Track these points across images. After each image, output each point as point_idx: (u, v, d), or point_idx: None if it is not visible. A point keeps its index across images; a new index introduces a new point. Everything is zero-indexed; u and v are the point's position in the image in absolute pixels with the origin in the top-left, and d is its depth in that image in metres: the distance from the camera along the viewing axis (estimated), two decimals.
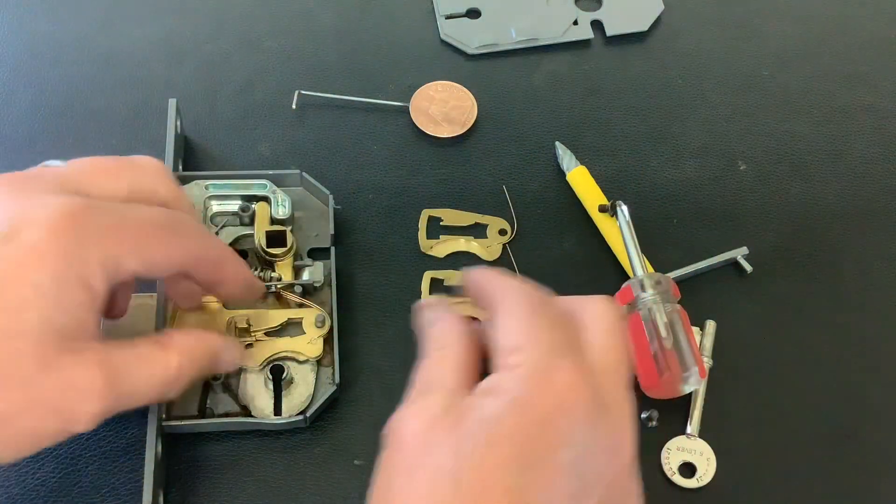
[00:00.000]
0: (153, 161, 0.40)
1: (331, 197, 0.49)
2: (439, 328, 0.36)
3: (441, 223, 0.52)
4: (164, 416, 0.43)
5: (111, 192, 0.37)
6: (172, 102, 0.51)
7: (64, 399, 0.33)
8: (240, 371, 0.45)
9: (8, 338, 0.31)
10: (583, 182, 0.53)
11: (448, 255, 0.51)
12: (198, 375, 0.39)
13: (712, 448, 0.45)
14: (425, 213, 0.52)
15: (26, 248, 0.32)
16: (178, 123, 0.52)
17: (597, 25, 0.61)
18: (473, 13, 0.61)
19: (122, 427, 0.44)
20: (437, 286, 0.50)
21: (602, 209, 0.51)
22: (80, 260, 0.33)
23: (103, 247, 0.34)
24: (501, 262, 0.51)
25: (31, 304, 0.32)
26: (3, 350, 0.31)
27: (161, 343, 0.37)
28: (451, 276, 0.50)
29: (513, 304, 0.34)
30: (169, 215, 0.37)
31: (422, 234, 0.51)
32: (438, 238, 0.51)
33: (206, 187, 0.49)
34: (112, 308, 0.41)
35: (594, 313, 0.35)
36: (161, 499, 0.42)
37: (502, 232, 0.51)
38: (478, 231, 0.52)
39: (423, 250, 0.51)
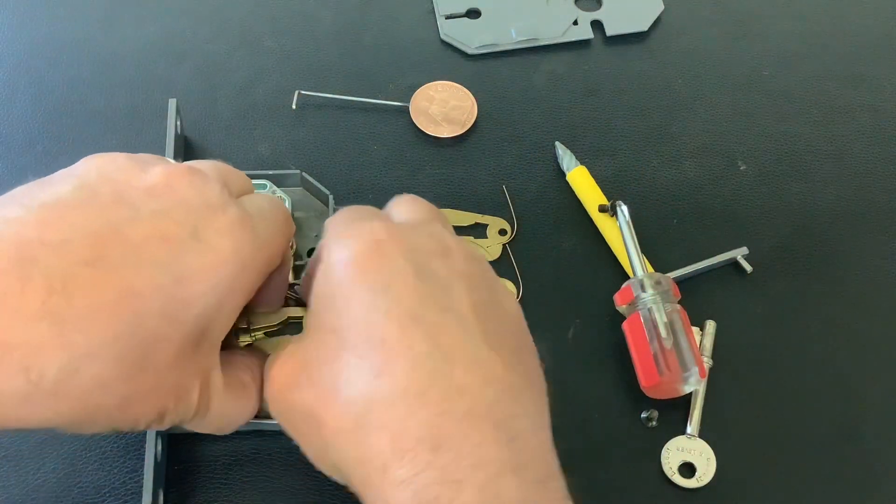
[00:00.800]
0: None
1: (331, 197, 0.49)
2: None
3: None
4: None
5: (237, 193, 0.38)
6: (172, 102, 0.51)
7: (170, 397, 0.34)
8: None
9: (168, 324, 0.32)
10: (583, 182, 0.53)
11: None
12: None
13: (712, 448, 0.45)
14: None
15: (212, 251, 0.33)
16: (178, 123, 0.52)
17: (597, 25, 0.61)
18: (473, 13, 0.61)
19: None
20: None
21: (602, 209, 0.51)
22: (250, 270, 0.35)
23: (263, 255, 0.36)
24: (501, 262, 0.51)
25: (198, 303, 0.33)
26: (161, 334, 0.32)
27: (247, 390, 0.38)
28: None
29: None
30: (277, 201, 0.40)
31: None
32: None
33: None
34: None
35: (395, 201, 0.40)
36: (161, 499, 0.42)
37: (502, 232, 0.51)
38: (478, 231, 0.52)
39: None
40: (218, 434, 0.39)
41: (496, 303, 0.36)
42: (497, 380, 0.32)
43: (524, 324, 0.38)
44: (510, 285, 0.50)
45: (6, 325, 0.29)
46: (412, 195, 0.40)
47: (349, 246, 0.34)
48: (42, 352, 0.29)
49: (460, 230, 0.52)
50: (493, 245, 0.51)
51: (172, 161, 0.38)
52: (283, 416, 0.36)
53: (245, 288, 0.35)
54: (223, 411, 0.37)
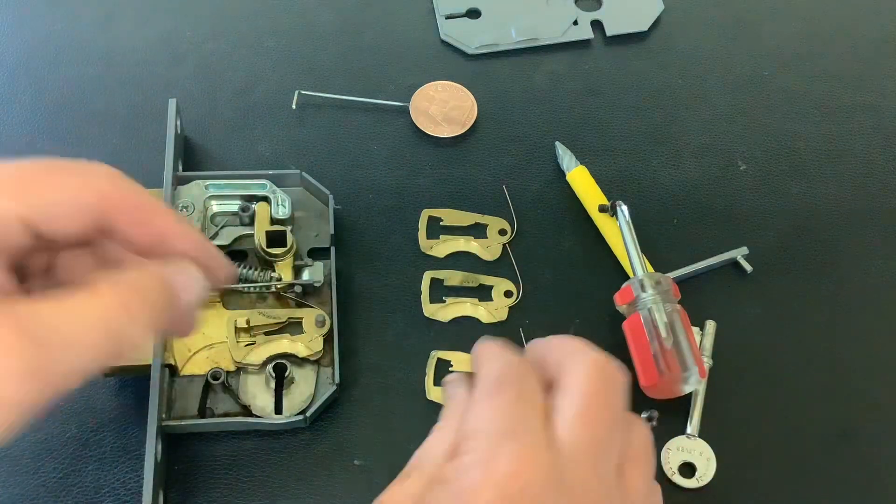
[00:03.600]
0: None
1: (331, 197, 0.49)
2: (452, 399, 0.35)
3: (441, 223, 0.52)
4: (164, 416, 0.43)
5: None
6: (172, 102, 0.51)
7: None
8: (240, 371, 0.45)
9: None
10: (583, 182, 0.53)
11: (448, 256, 0.51)
12: (156, 315, 0.31)
13: (712, 448, 0.45)
14: (425, 214, 0.52)
15: None
16: (178, 123, 0.52)
17: (597, 25, 0.61)
18: (473, 13, 0.61)
19: (122, 427, 0.44)
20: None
21: (602, 209, 0.51)
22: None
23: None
24: (501, 261, 0.51)
25: None
26: None
27: (91, 287, 0.29)
28: (451, 276, 0.50)
29: (479, 381, 0.33)
30: (64, 160, 0.32)
31: (422, 234, 0.51)
32: (438, 238, 0.51)
33: (206, 187, 0.49)
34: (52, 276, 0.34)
35: (576, 375, 0.33)
36: (161, 499, 0.42)
37: (502, 232, 0.51)
38: (478, 231, 0.52)
39: (423, 250, 0.51)
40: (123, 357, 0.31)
41: None
42: None
43: None
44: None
45: None
46: (603, 369, 0.34)
47: (475, 479, 0.29)
48: None
49: (460, 230, 0.52)
50: (493, 245, 0.51)
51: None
52: None
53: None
54: (66, 332, 0.28)
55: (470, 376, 0.36)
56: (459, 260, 0.51)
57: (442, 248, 0.51)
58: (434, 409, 0.46)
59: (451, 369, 0.47)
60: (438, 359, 0.47)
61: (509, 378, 0.33)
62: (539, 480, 0.29)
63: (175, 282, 0.33)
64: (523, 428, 0.31)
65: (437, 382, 0.47)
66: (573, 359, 0.34)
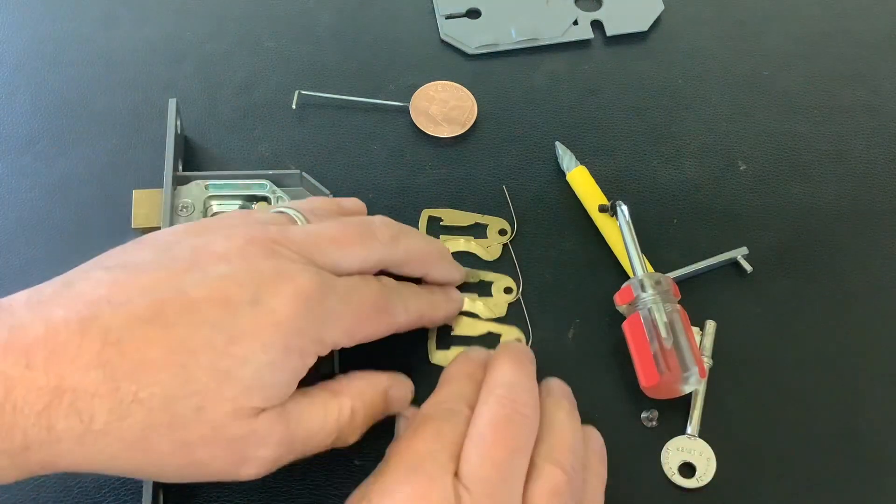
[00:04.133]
0: (382, 219, 0.42)
1: (331, 197, 0.49)
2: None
3: (441, 223, 0.52)
4: None
5: (345, 268, 0.39)
6: (172, 102, 0.51)
7: (242, 444, 0.35)
8: None
9: (219, 379, 0.34)
10: (583, 182, 0.53)
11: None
12: (372, 417, 0.41)
13: (712, 448, 0.45)
14: (425, 213, 0.52)
15: (266, 315, 0.35)
16: (178, 123, 0.52)
17: (597, 25, 0.61)
18: (473, 13, 0.61)
19: None
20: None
21: (602, 209, 0.51)
22: (306, 336, 0.36)
23: (329, 329, 0.37)
24: (502, 261, 0.51)
25: (253, 360, 0.35)
26: (213, 388, 0.34)
27: (334, 391, 0.39)
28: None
29: (411, 418, 0.42)
30: (385, 293, 0.40)
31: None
32: (438, 238, 0.51)
33: (206, 187, 0.49)
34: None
35: (475, 419, 0.39)
36: (161, 499, 0.42)
37: (502, 232, 0.51)
38: (478, 231, 0.52)
39: None
40: (341, 445, 0.40)
41: None
42: None
43: None
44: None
45: (63, 372, 0.32)
46: (504, 394, 0.40)
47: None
48: (92, 396, 0.32)
49: (460, 230, 0.52)
50: (493, 245, 0.51)
51: (273, 212, 0.40)
52: None
53: (303, 352, 0.36)
54: (315, 429, 0.38)
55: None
56: (460, 259, 0.51)
57: None
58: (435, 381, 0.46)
59: (452, 334, 0.48)
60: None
61: (435, 418, 0.39)
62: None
63: (393, 396, 0.42)
64: (429, 466, 0.36)
65: (439, 346, 0.48)
66: (481, 402, 0.39)
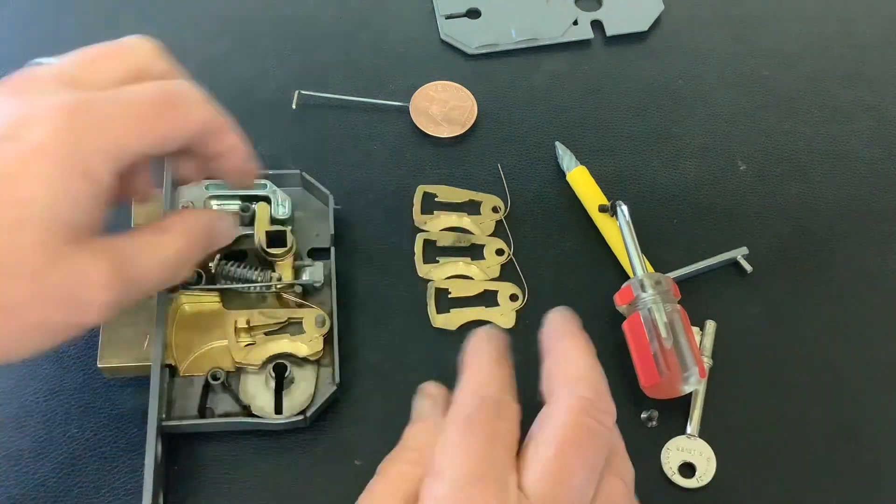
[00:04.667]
0: (143, 40, 0.39)
1: (331, 197, 0.49)
2: (421, 419, 0.38)
3: (436, 199, 0.52)
4: (164, 416, 0.43)
5: (106, 79, 0.37)
6: None
7: (72, 290, 0.33)
8: (240, 371, 0.45)
9: (12, 230, 0.32)
10: (583, 182, 0.53)
11: (442, 231, 0.52)
12: (201, 253, 0.40)
13: (712, 448, 0.45)
14: (420, 189, 0.52)
15: (29, 146, 0.32)
16: None
17: (597, 25, 0.61)
18: (473, 13, 0.61)
19: (122, 427, 0.44)
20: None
21: (602, 209, 0.51)
22: (82, 152, 0.33)
23: (105, 136, 0.34)
24: (505, 271, 0.51)
25: (36, 198, 0.32)
26: (7, 242, 0.32)
27: (162, 227, 0.38)
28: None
29: (455, 406, 0.35)
30: (166, 88, 0.37)
31: (416, 209, 0.52)
32: (433, 213, 0.52)
33: (206, 187, 0.49)
34: (134, 192, 0.41)
35: (553, 422, 0.33)
36: (161, 499, 0.42)
37: (495, 209, 0.52)
38: (471, 207, 0.52)
39: (417, 225, 0.51)
40: (175, 281, 0.39)
41: None
42: None
43: None
44: None
45: None
46: (579, 430, 0.33)
47: None
48: None
49: (455, 206, 0.52)
50: (486, 221, 0.52)
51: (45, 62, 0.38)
52: None
53: (88, 170, 0.33)
54: (151, 264, 0.36)
55: (443, 393, 0.37)
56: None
57: (436, 223, 0.51)
58: (438, 342, 0.47)
59: (450, 296, 0.49)
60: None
61: (485, 415, 0.33)
62: None
63: (217, 227, 0.41)
64: (491, 475, 0.31)
65: (438, 311, 0.48)
66: (557, 397, 0.34)
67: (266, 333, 0.46)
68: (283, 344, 0.45)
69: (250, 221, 0.48)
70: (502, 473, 0.31)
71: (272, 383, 0.44)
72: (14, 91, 0.35)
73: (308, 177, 0.50)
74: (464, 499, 0.30)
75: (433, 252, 0.51)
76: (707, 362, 0.47)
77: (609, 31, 0.60)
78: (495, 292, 0.49)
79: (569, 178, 0.53)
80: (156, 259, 0.37)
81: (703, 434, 0.46)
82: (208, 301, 0.46)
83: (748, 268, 0.51)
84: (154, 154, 0.36)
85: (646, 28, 0.60)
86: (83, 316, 0.34)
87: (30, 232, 0.32)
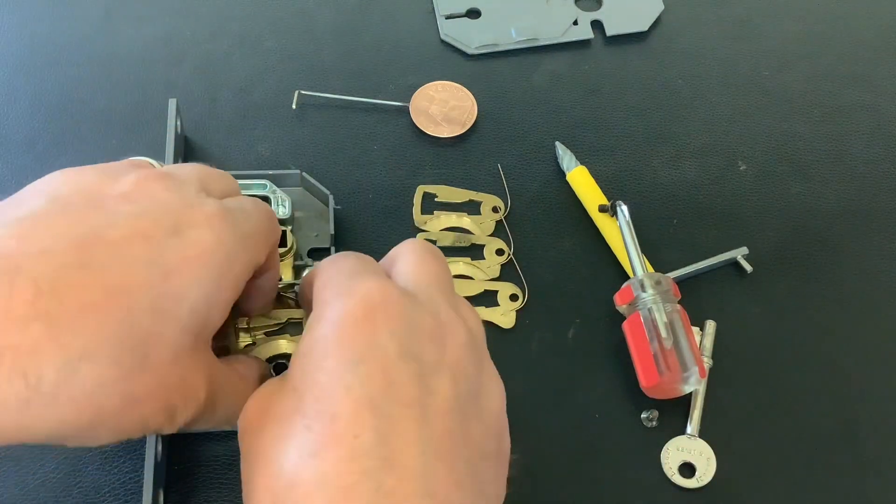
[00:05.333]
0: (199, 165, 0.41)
1: (331, 197, 0.49)
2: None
3: (436, 199, 0.52)
4: None
5: (219, 192, 0.37)
6: (172, 103, 0.51)
7: (177, 395, 0.33)
8: None
9: (157, 321, 0.32)
10: (583, 182, 0.53)
11: (442, 231, 0.51)
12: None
13: (712, 448, 0.45)
14: (420, 189, 0.52)
15: (192, 247, 0.33)
16: (179, 124, 0.52)
17: (597, 25, 0.61)
18: (473, 13, 0.61)
19: None
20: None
21: (602, 209, 0.51)
22: (235, 262, 0.34)
23: (248, 248, 0.35)
24: (504, 271, 0.51)
25: (189, 297, 0.32)
26: (155, 331, 0.31)
27: (244, 378, 0.38)
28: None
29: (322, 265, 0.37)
30: (263, 204, 0.39)
31: (416, 209, 0.52)
32: (433, 214, 0.52)
33: None
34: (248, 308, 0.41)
35: (404, 249, 0.37)
36: (161, 499, 0.42)
37: (496, 209, 0.52)
38: (471, 208, 0.52)
39: (416, 225, 0.51)
40: (227, 428, 0.38)
41: (476, 400, 0.33)
42: (436, 494, 0.29)
43: (502, 422, 0.34)
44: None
45: None
46: (424, 244, 0.37)
47: (340, 306, 0.32)
48: (37, 354, 0.29)
49: (455, 206, 0.52)
50: (486, 221, 0.52)
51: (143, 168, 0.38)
52: (242, 441, 0.35)
53: (233, 280, 0.35)
54: (228, 405, 0.36)
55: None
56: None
57: (436, 223, 0.51)
58: None
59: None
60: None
61: (349, 253, 0.37)
62: (396, 293, 0.33)
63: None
64: (371, 270, 0.35)
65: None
66: (400, 246, 0.37)
67: (266, 334, 0.46)
68: (283, 344, 0.45)
69: None
70: (379, 271, 0.35)
71: None
72: (173, 187, 0.35)
73: (308, 177, 0.50)
74: (356, 283, 0.33)
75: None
76: (707, 362, 0.47)
77: (609, 31, 0.60)
78: (495, 292, 0.49)
79: (569, 178, 0.53)
80: (232, 404, 0.36)
81: (703, 434, 0.46)
82: None
83: (748, 268, 0.51)
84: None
85: (646, 28, 0.60)
86: (167, 424, 0.33)
87: (171, 327, 0.32)
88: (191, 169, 0.38)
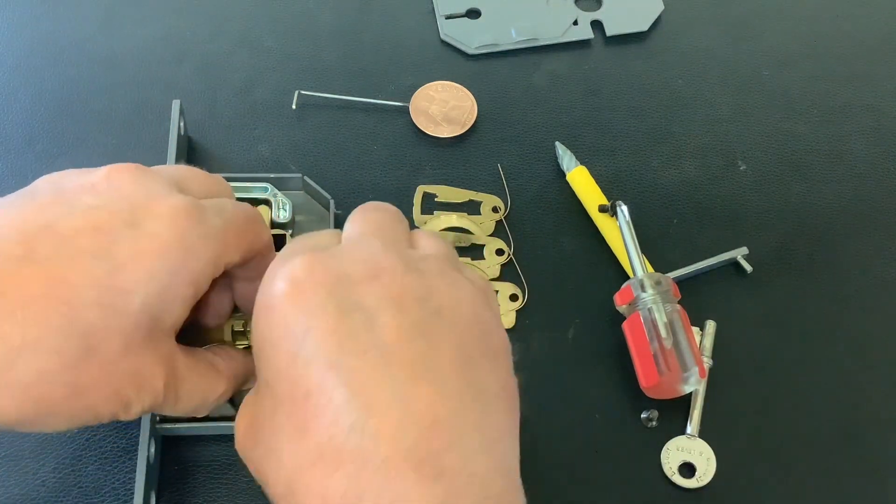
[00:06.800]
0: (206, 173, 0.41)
1: (332, 201, 0.49)
2: None
3: (436, 199, 0.52)
4: (157, 418, 0.42)
5: (198, 192, 0.37)
6: (176, 104, 0.51)
7: (129, 386, 0.33)
8: None
9: (106, 314, 0.32)
10: (583, 182, 0.53)
11: (442, 231, 0.52)
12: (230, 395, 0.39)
13: (712, 448, 0.45)
14: (420, 189, 0.52)
15: (147, 240, 0.33)
16: (182, 124, 0.52)
17: (597, 25, 0.61)
18: (473, 13, 0.61)
19: (123, 428, 0.44)
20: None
21: (602, 209, 0.51)
22: (193, 258, 0.34)
23: (212, 246, 0.35)
24: (505, 269, 0.51)
25: (139, 291, 0.32)
26: (97, 323, 0.32)
27: (217, 368, 0.38)
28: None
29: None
30: (247, 206, 0.39)
31: (416, 209, 0.52)
32: (433, 213, 0.52)
33: None
34: (211, 313, 0.41)
35: (350, 217, 0.37)
36: (153, 500, 0.42)
37: (496, 209, 0.52)
38: (471, 208, 0.52)
39: (416, 225, 0.51)
40: (200, 414, 0.38)
41: (434, 314, 0.33)
42: (419, 417, 0.30)
43: (482, 322, 0.34)
44: (497, 252, 0.50)
45: None
46: (368, 204, 0.37)
47: (272, 288, 0.32)
48: None
49: (455, 206, 0.52)
50: (485, 222, 0.52)
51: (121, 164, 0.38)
52: (249, 468, 0.35)
53: (192, 275, 0.34)
54: (193, 394, 0.36)
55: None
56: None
57: (436, 223, 0.51)
58: None
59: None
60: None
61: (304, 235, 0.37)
62: (318, 261, 0.33)
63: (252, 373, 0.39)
64: (308, 242, 0.35)
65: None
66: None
67: None
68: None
69: None
70: (316, 241, 0.35)
71: None
72: (139, 179, 0.35)
73: (309, 181, 0.50)
74: (284, 255, 0.34)
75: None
76: (707, 362, 0.47)
77: (609, 31, 0.60)
78: (495, 292, 0.49)
79: (569, 178, 0.53)
80: (198, 395, 0.37)
81: (703, 434, 0.46)
82: None
83: (748, 268, 0.51)
84: (231, 267, 0.37)
85: (646, 28, 0.60)
86: (122, 412, 0.34)
87: (120, 320, 0.32)
88: (172, 167, 0.38)
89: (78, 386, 0.32)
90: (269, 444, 0.32)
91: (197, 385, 0.36)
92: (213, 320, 0.41)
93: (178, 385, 0.35)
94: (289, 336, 0.31)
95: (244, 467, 0.43)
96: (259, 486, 0.43)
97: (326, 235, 0.36)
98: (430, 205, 0.52)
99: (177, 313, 0.34)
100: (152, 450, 0.41)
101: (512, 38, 0.59)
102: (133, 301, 0.32)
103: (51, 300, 0.31)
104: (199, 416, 0.38)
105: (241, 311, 0.43)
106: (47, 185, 0.35)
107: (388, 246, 0.34)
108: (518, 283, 0.50)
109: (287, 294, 0.32)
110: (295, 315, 0.31)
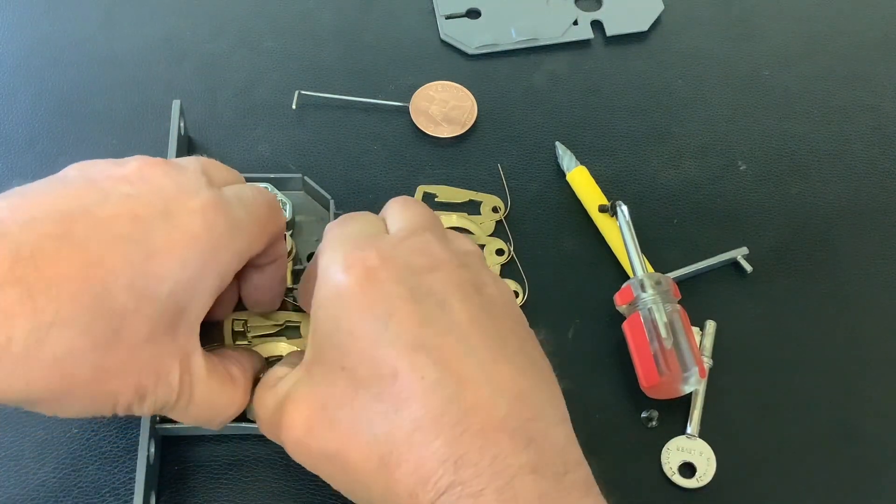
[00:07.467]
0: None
1: (332, 202, 0.49)
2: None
3: (436, 199, 0.52)
4: (157, 418, 0.42)
5: (220, 181, 0.38)
6: (176, 104, 0.51)
7: (149, 375, 0.34)
8: None
9: (137, 299, 0.33)
10: (583, 182, 0.53)
11: None
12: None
13: (712, 448, 0.45)
14: (420, 189, 0.52)
15: (180, 231, 0.34)
16: (182, 124, 0.52)
17: (597, 25, 0.61)
18: (473, 13, 0.61)
19: (123, 428, 0.44)
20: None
21: (602, 209, 0.51)
22: (223, 251, 0.35)
23: (239, 238, 0.36)
24: (507, 268, 0.51)
25: (169, 279, 0.33)
26: (130, 308, 0.32)
27: (236, 383, 0.38)
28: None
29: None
30: (265, 192, 0.40)
31: None
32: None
33: None
34: (218, 307, 0.41)
35: (390, 207, 0.40)
36: (153, 500, 0.42)
37: (496, 209, 0.52)
38: (472, 208, 0.52)
39: None
40: (206, 428, 0.39)
41: (490, 303, 0.36)
42: (506, 389, 0.33)
43: (517, 310, 0.38)
44: (503, 248, 0.50)
45: None
46: (404, 197, 0.40)
47: (345, 277, 0.34)
48: (10, 317, 0.30)
49: (455, 207, 0.52)
50: (486, 222, 0.52)
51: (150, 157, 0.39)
52: (307, 461, 0.36)
53: (220, 268, 0.35)
54: (208, 400, 0.37)
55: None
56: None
57: None
58: None
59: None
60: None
61: (351, 216, 0.39)
62: (389, 250, 0.35)
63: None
64: (366, 232, 0.37)
65: None
66: (387, 205, 0.40)
67: (263, 336, 0.46)
68: (281, 347, 0.45)
69: None
70: (373, 226, 0.38)
71: None
72: (164, 172, 0.36)
73: (310, 181, 0.50)
74: (345, 242, 0.36)
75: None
76: (707, 362, 0.47)
77: (609, 31, 0.60)
78: None
79: (569, 178, 0.53)
80: (213, 401, 0.37)
81: (703, 434, 0.46)
82: None
83: (748, 268, 0.51)
84: (253, 257, 0.39)
85: (646, 28, 0.60)
86: (136, 404, 0.35)
87: (148, 305, 0.33)
88: (195, 159, 0.39)
89: (103, 369, 0.32)
90: (351, 424, 0.33)
91: (212, 389, 0.37)
92: (218, 314, 0.42)
93: (193, 384, 0.36)
94: (368, 321, 0.33)
95: (245, 466, 0.44)
96: (259, 486, 0.43)
97: (371, 222, 0.38)
98: (430, 205, 0.52)
99: (201, 304, 0.35)
100: (152, 450, 0.41)
101: (512, 38, 0.59)
102: (163, 288, 0.33)
103: (86, 280, 0.31)
104: (214, 429, 0.39)
105: (245, 303, 0.43)
106: (77, 172, 0.36)
107: (441, 240, 0.37)
108: (518, 282, 0.50)
109: (362, 282, 0.34)
110: (372, 302, 0.34)
